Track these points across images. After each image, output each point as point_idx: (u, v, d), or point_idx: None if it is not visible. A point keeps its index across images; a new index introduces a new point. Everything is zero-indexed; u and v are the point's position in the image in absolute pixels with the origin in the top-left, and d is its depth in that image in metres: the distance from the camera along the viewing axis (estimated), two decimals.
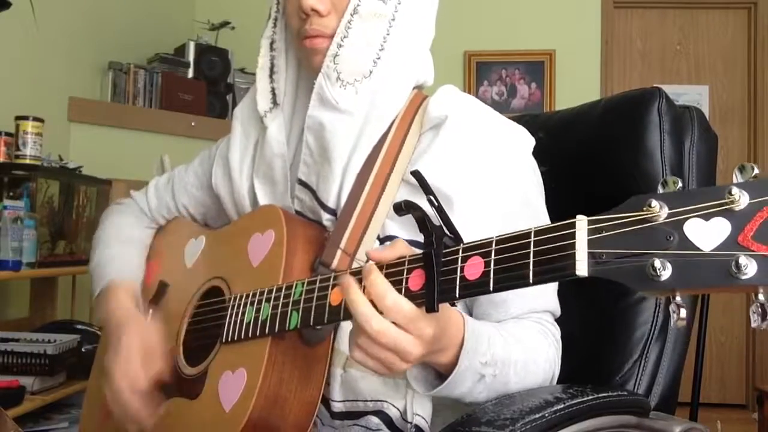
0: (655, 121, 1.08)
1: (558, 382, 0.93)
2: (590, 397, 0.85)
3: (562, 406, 0.81)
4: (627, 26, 4.04)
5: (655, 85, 1.14)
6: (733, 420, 3.44)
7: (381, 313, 0.70)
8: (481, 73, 3.97)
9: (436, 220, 0.72)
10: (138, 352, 0.98)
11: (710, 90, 3.98)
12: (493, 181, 0.92)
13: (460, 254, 0.69)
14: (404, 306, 0.70)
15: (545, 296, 0.94)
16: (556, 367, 0.92)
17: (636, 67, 4.04)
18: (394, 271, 0.73)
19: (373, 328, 0.70)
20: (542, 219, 0.97)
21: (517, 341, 0.86)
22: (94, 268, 1.16)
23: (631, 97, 1.15)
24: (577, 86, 3.83)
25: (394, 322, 0.70)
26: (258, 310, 0.88)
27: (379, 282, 0.71)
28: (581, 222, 0.61)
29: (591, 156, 1.16)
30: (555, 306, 0.95)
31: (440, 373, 0.81)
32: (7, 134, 2.23)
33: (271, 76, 1.01)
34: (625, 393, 0.97)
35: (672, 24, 4.02)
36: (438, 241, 0.70)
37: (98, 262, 1.16)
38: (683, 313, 0.57)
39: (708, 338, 3.73)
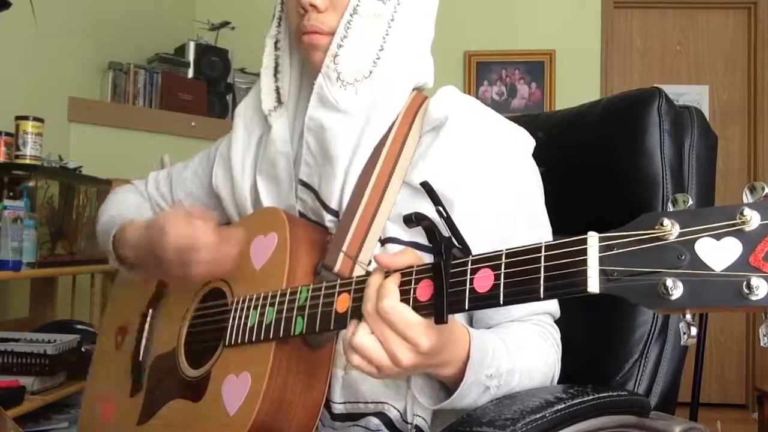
0: (655, 121, 1.08)
1: (558, 383, 0.93)
2: (591, 397, 0.85)
3: (563, 406, 0.81)
4: (627, 26, 4.03)
5: (655, 85, 1.14)
6: (733, 420, 3.44)
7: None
8: (481, 73, 3.97)
9: (445, 230, 0.72)
10: (185, 211, 0.96)
11: (710, 90, 3.98)
12: (493, 182, 0.92)
13: (470, 266, 0.69)
14: (403, 310, 0.70)
15: None
16: (556, 370, 0.93)
17: (636, 67, 4.04)
18: (402, 281, 0.73)
19: (367, 310, 0.72)
20: (541, 221, 0.97)
21: (520, 349, 0.86)
22: (104, 224, 1.15)
23: (631, 97, 1.14)
24: (577, 86, 3.83)
25: (392, 327, 0.71)
26: (262, 314, 0.88)
27: (387, 285, 0.72)
28: (593, 239, 0.61)
29: (590, 156, 1.16)
30: (555, 308, 0.95)
31: (444, 384, 0.81)
32: (7, 134, 2.22)
33: (275, 75, 1.02)
34: (626, 393, 0.97)
35: (672, 24, 4.02)
36: (447, 252, 0.70)
37: (109, 218, 1.15)
38: (693, 331, 0.57)
39: (708, 338, 3.72)
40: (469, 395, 0.80)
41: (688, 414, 1.09)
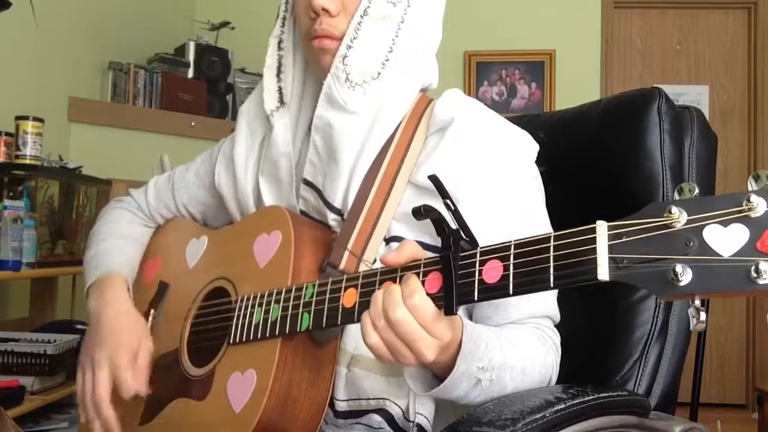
0: (655, 121, 1.08)
1: (558, 383, 0.93)
2: (591, 397, 0.85)
3: (563, 406, 0.81)
4: (627, 26, 4.04)
5: (655, 85, 1.14)
6: (733, 420, 3.45)
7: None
8: (481, 73, 3.97)
9: (453, 223, 0.73)
10: (130, 362, 0.98)
11: (710, 90, 3.98)
12: (497, 185, 0.92)
13: (478, 258, 0.70)
14: (430, 307, 0.71)
15: (546, 302, 0.94)
16: (554, 373, 0.93)
17: (636, 67, 4.04)
18: (410, 273, 0.74)
19: (396, 315, 0.71)
20: (543, 223, 0.97)
21: (514, 347, 0.86)
22: (89, 261, 1.15)
23: (631, 97, 1.15)
24: (577, 86, 3.83)
25: (421, 323, 0.71)
26: (267, 312, 0.88)
27: (412, 283, 0.72)
28: (602, 227, 0.62)
29: (591, 156, 1.16)
30: (555, 312, 0.96)
31: (437, 374, 0.82)
32: (7, 134, 2.22)
33: (278, 75, 1.02)
34: (626, 393, 0.97)
35: (672, 24, 4.03)
36: (456, 244, 0.70)
37: (94, 254, 1.15)
38: (703, 316, 0.58)
39: (708, 338, 3.74)
40: (461, 386, 0.80)
41: (688, 414, 1.09)
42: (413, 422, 0.88)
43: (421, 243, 0.85)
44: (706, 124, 1.13)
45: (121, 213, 1.23)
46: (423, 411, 0.88)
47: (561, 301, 0.96)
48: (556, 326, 0.96)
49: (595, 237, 0.61)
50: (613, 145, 1.13)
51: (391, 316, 0.71)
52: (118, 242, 1.17)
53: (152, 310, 1.11)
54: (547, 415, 0.79)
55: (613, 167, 1.13)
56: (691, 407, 1.15)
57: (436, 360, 0.78)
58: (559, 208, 1.00)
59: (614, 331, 1.06)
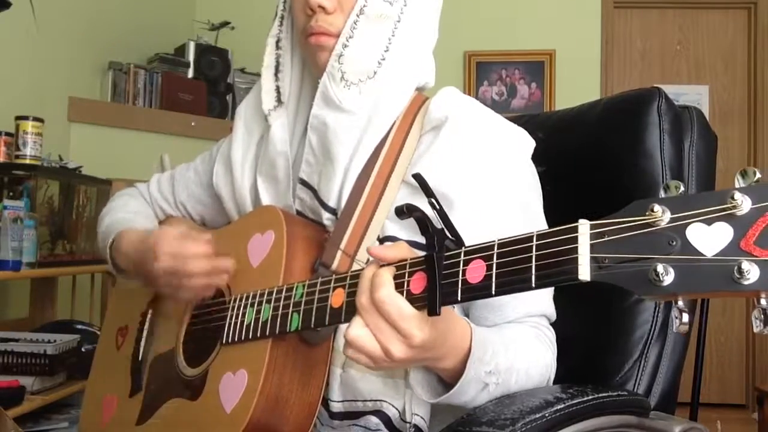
0: (655, 121, 1.08)
1: (557, 382, 0.93)
2: (590, 397, 0.85)
3: (563, 406, 0.81)
4: (627, 26, 4.04)
5: (654, 85, 1.14)
6: (733, 420, 3.44)
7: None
8: (481, 73, 3.97)
9: (438, 222, 0.72)
10: (178, 231, 0.99)
11: (710, 90, 3.98)
12: (492, 183, 0.92)
13: (462, 257, 0.69)
14: (398, 301, 0.70)
15: (542, 300, 0.94)
16: (552, 372, 0.93)
17: (636, 67, 4.04)
18: (395, 274, 0.73)
19: (361, 303, 0.71)
20: (539, 222, 0.97)
21: (517, 348, 0.86)
22: (104, 230, 1.16)
23: (631, 97, 1.15)
24: (577, 86, 3.83)
25: (386, 318, 0.70)
26: (258, 312, 0.88)
27: (382, 274, 0.71)
28: (584, 226, 0.61)
29: (590, 156, 1.16)
30: (551, 310, 0.95)
31: (442, 378, 0.81)
32: (7, 134, 2.23)
33: (276, 74, 1.02)
34: (625, 393, 0.97)
35: (672, 24, 4.02)
36: (440, 244, 0.70)
37: (109, 224, 1.16)
38: (686, 317, 0.57)
39: (708, 338, 3.73)
40: (468, 392, 0.80)
41: (688, 414, 1.09)
42: (410, 423, 0.87)
43: (414, 243, 0.85)
44: (706, 124, 1.13)
45: (129, 198, 1.24)
46: (420, 411, 0.88)
47: (561, 301, 0.96)
48: (556, 325, 0.96)
49: (577, 236, 0.60)
50: (613, 145, 1.13)
51: (356, 303, 0.71)
52: (131, 216, 1.18)
53: (150, 310, 1.11)
54: (547, 415, 0.79)
55: (612, 167, 1.12)
56: (691, 407, 1.15)
57: (434, 366, 0.78)
58: (559, 208, 1.00)
59: (614, 331, 1.06)
